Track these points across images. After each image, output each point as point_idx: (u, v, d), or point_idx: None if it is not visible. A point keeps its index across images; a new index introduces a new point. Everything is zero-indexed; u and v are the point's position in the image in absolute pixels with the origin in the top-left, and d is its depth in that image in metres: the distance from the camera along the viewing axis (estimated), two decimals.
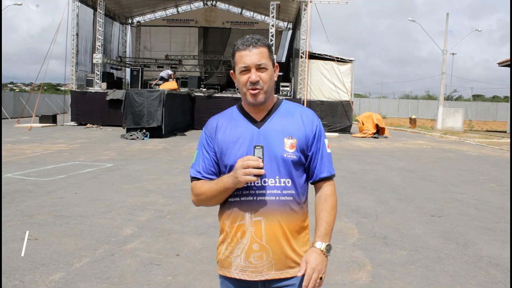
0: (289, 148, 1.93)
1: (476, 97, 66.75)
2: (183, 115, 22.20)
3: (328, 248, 1.94)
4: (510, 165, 12.16)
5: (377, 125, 23.22)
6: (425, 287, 4.24)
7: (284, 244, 1.92)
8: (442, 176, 10.97)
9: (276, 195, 1.91)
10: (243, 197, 1.92)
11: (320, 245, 1.93)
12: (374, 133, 22.99)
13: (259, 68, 1.93)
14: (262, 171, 1.81)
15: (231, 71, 2.06)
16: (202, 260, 4.70)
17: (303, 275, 1.89)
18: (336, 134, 23.21)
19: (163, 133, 18.95)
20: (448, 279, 4.42)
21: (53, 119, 25.07)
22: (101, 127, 23.44)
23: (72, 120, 25.12)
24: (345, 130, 24.75)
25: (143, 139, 18.04)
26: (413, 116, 35.26)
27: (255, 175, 1.80)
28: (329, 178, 2.06)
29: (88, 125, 24.09)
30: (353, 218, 6.64)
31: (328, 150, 2.06)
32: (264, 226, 1.90)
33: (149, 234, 5.56)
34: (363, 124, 23.62)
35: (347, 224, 6.31)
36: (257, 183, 1.89)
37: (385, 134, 23.49)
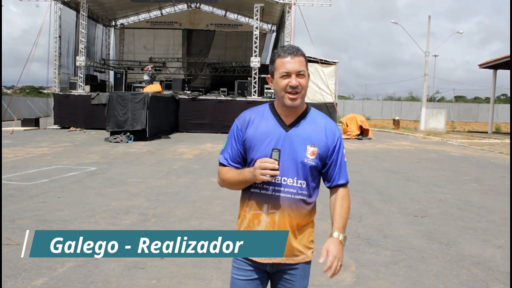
0: (310, 155, 2.19)
1: (458, 98, 67.46)
2: (167, 118, 22.10)
3: (345, 238, 2.24)
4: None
5: (361, 127, 23.39)
6: (409, 287, 4.29)
7: (291, 236, 2.19)
8: (425, 176, 11.09)
9: (292, 194, 2.18)
10: (263, 191, 2.19)
11: (338, 235, 2.21)
12: (358, 135, 23.16)
13: (299, 74, 2.15)
14: (277, 173, 2.05)
15: (268, 75, 2.28)
16: (187, 263, 4.67)
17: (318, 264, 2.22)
18: None
19: (147, 136, 18.84)
20: (431, 278, 4.47)
21: (35, 122, 24.75)
22: (84, 130, 23.22)
23: (55, 124, 24.85)
24: None
25: (127, 142, 17.92)
26: (397, 118, 35.61)
27: (270, 175, 2.05)
28: (345, 184, 2.33)
29: (72, 128, 23.83)
30: None
31: (345, 159, 2.32)
32: (278, 219, 2.17)
33: None
34: (347, 125, 23.77)
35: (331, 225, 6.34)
36: (277, 180, 2.16)
37: (369, 135, 23.67)
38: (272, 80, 2.24)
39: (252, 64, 24.96)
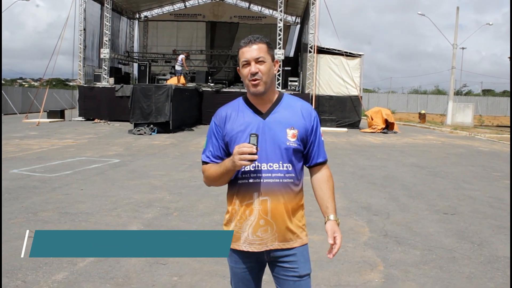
0: (291, 138, 2.22)
1: (486, 92, 65.89)
2: (190, 110, 22.06)
3: (339, 219, 2.30)
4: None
5: (386, 120, 22.98)
6: None
7: (286, 219, 2.22)
8: (453, 172, 10.76)
9: (280, 178, 2.20)
10: (251, 179, 2.20)
11: (335, 217, 2.27)
12: (383, 128, 22.76)
13: (258, 61, 2.20)
14: (255, 157, 2.05)
15: (238, 67, 2.31)
16: (209, 259, 4.55)
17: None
18: (345, 129, 22.98)
19: (171, 128, 18.84)
20: (464, 281, 4.25)
21: (61, 114, 25.06)
22: (108, 122, 23.38)
23: (80, 116, 25.10)
24: (354, 125, 24.52)
25: (150, 134, 17.95)
26: (423, 111, 34.91)
27: (249, 160, 2.05)
28: (324, 162, 2.37)
29: (96, 120, 24.05)
30: (363, 215, 6.48)
31: (322, 139, 2.37)
32: (270, 205, 2.19)
33: None
34: (372, 119, 23.39)
35: (357, 222, 6.16)
36: (263, 167, 2.19)
37: (394, 129, 23.25)
38: (240, 71, 2.28)
39: (276, 57, 24.32)
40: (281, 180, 2.20)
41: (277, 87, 24.40)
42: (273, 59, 2.28)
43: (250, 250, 2.23)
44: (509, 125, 31.87)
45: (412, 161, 12.56)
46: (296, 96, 2.41)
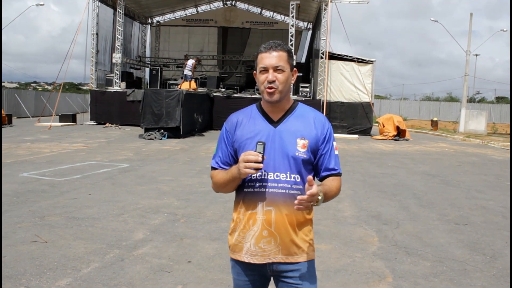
0: (300, 148, 2.15)
1: (500, 99, 65.19)
2: (201, 115, 22.06)
3: (321, 200, 2.06)
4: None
5: (398, 127, 22.78)
6: None
7: (290, 231, 2.14)
8: (466, 181, 10.60)
9: (287, 189, 2.13)
10: (257, 188, 2.15)
11: (319, 190, 2.04)
12: (395, 136, 22.56)
13: (277, 69, 2.14)
14: (260, 165, 2.00)
15: (254, 71, 2.25)
16: (215, 268, 4.50)
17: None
18: (356, 136, 22.82)
19: (181, 133, 18.84)
20: None
21: (72, 118, 25.21)
22: (119, 126, 23.46)
23: (91, 120, 25.22)
24: (365, 132, 24.34)
25: (161, 139, 17.96)
26: (435, 118, 34.63)
27: (254, 169, 2.00)
28: (336, 175, 2.24)
29: (107, 124, 24.14)
30: (373, 224, 6.37)
31: (336, 152, 2.26)
32: (274, 216, 2.12)
33: (161, 239, 5.38)
34: (383, 126, 23.20)
35: (367, 231, 6.05)
36: (270, 176, 2.13)
37: (406, 136, 23.04)
38: (257, 76, 2.23)
39: None
40: (287, 191, 2.13)
41: None
42: (292, 68, 2.21)
43: (252, 262, 2.17)
44: None
45: (424, 169, 12.41)
46: (311, 106, 2.35)
